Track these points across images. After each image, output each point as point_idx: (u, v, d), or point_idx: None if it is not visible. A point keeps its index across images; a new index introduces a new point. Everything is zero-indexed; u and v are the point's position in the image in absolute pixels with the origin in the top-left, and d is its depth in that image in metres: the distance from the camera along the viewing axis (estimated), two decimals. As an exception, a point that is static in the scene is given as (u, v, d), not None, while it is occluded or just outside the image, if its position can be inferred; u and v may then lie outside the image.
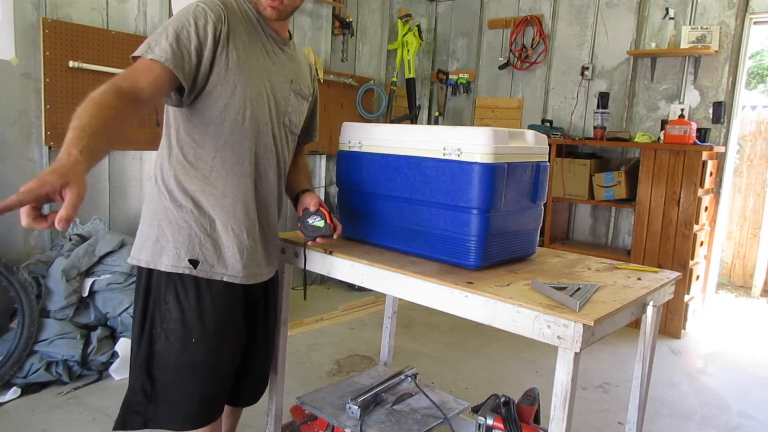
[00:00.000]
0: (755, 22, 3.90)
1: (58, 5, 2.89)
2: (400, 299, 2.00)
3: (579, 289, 1.34)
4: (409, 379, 2.16)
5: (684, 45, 3.96)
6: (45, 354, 2.63)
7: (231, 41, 1.36)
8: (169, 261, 1.38)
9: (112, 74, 3.04)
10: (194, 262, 1.38)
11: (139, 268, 1.43)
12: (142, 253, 1.41)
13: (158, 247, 1.39)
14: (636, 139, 4.06)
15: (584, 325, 1.16)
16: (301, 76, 1.62)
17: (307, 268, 1.73)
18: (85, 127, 0.99)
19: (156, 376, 1.42)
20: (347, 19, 4.48)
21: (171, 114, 1.42)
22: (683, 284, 3.79)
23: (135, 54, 1.26)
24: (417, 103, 5.01)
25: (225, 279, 1.43)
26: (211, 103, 1.38)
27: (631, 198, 4.08)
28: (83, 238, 2.94)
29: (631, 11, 4.31)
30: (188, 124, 1.40)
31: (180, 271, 1.39)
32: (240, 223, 1.44)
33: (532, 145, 1.59)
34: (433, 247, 1.56)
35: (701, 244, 3.92)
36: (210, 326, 1.42)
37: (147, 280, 1.42)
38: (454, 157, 1.49)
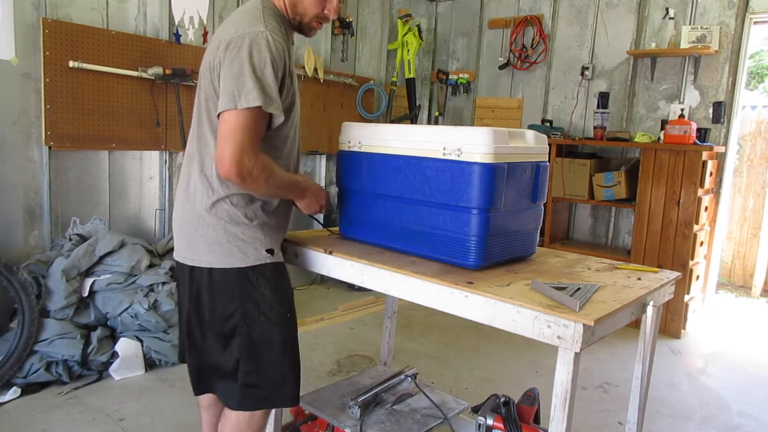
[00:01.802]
0: (755, 22, 3.90)
1: (58, 5, 2.89)
2: (400, 299, 2.00)
3: (579, 289, 1.34)
4: (409, 379, 2.16)
5: (684, 45, 3.96)
6: (45, 354, 2.63)
7: (289, 69, 1.48)
8: (247, 256, 1.49)
9: (112, 74, 3.07)
10: (270, 251, 1.53)
11: (223, 271, 1.49)
12: (212, 256, 1.49)
13: (230, 247, 1.48)
14: (636, 139, 4.06)
15: (584, 325, 1.16)
16: None
17: (306, 267, 1.74)
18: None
19: (263, 359, 1.52)
20: (347, 19, 4.48)
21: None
22: (683, 284, 3.79)
23: (242, 103, 1.35)
24: (417, 103, 5.01)
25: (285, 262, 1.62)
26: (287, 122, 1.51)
27: (631, 198, 4.08)
28: (83, 238, 2.94)
29: (631, 11, 4.31)
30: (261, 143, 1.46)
31: (263, 261, 1.51)
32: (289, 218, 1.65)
33: (532, 145, 1.59)
34: (433, 247, 1.56)
35: (701, 244, 3.92)
36: (292, 302, 1.59)
37: (240, 279, 1.49)
38: (454, 157, 1.49)
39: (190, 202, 1.51)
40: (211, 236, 1.48)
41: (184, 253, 1.54)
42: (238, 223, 1.49)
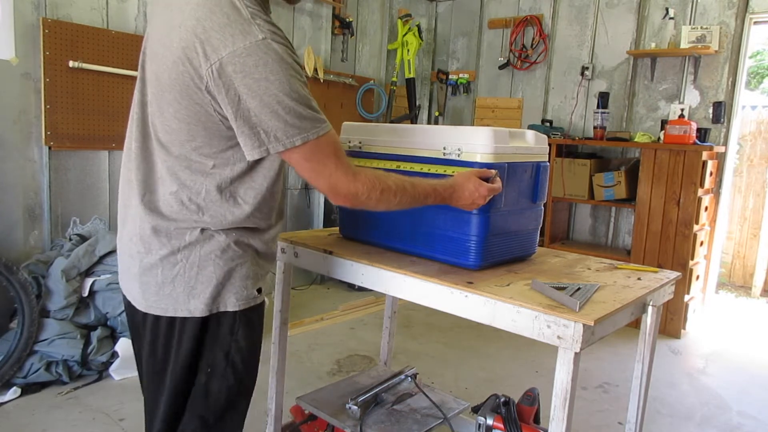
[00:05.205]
0: (755, 22, 3.90)
1: (58, 5, 2.89)
2: (400, 299, 2.00)
3: (579, 289, 1.34)
4: (409, 379, 2.16)
5: (684, 45, 3.96)
6: (45, 354, 2.63)
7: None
8: (237, 299, 1.24)
9: (112, 74, 3.08)
10: (259, 290, 1.29)
11: (181, 320, 1.21)
12: (192, 303, 1.20)
13: (219, 289, 1.22)
14: (636, 139, 4.06)
15: (584, 325, 1.16)
16: None
17: (306, 267, 1.74)
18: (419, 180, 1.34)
19: (211, 410, 1.28)
20: (347, 19, 4.48)
21: (218, 151, 1.18)
22: (683, 284, 3.79)
23: (307, 136, 1.11)
24: (417, 103, 5.01)
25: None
26: None
27: (631, 198, 4.08)
28: (83, 238, 2.94)
29: (631, 11, 4.31)
30: (252, 161, 1.20)
31: (252, 304, 1.27)
32: (277, 241, 1.38)
33: (532, 145, 1.59)
34: (433, 247, 1.56)
35: (701, 244, 3.92)
36: (260, 345, 1.35)
37: (200, 327, 1.22)
38: (454, 157, 1.49)
39: (159, 238, 1.20)
40: (191, 277, 1.20)
41: (152, 302, 1.21)
42: (231, 258, 1.22)
